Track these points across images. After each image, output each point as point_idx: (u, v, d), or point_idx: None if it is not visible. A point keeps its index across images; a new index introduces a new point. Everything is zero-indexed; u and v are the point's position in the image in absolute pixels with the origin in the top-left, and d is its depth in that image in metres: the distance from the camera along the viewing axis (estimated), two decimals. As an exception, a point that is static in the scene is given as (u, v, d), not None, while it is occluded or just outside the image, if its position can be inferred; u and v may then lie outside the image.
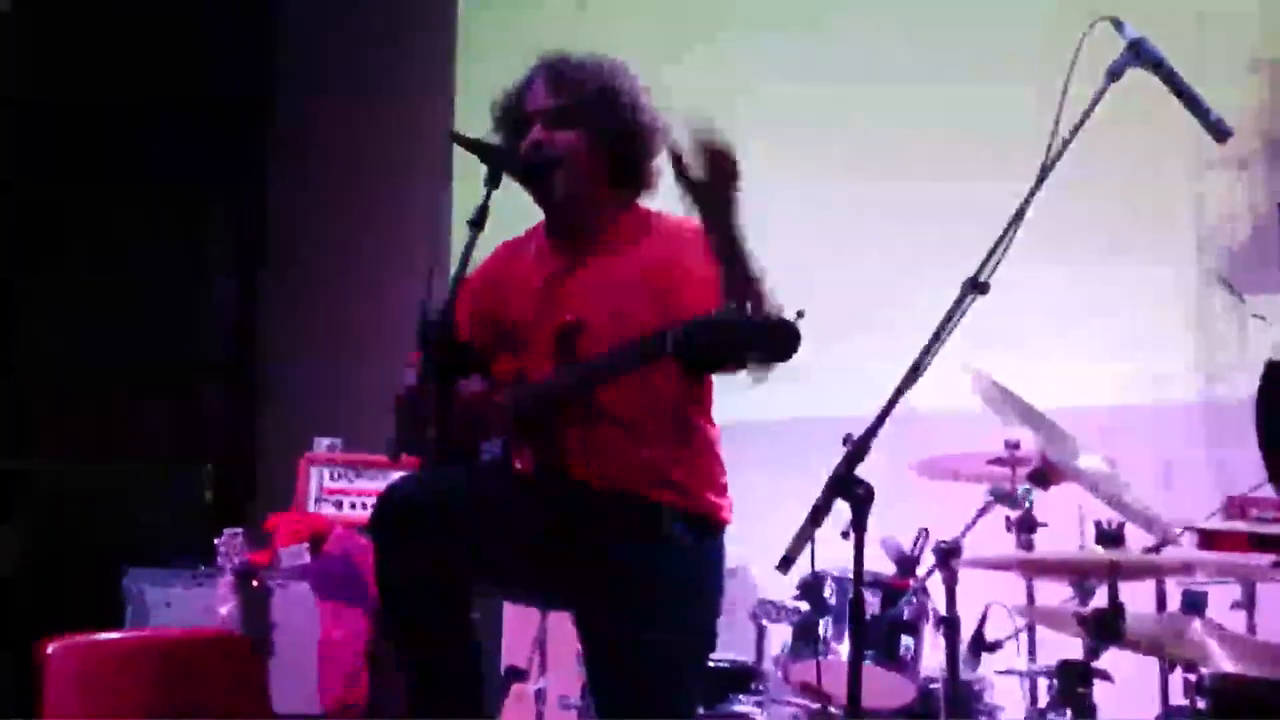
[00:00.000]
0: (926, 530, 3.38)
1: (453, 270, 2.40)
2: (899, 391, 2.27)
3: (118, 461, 5.88)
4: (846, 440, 2.26)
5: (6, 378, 5.88)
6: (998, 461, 3.40)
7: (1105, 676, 2.50)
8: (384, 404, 5.65)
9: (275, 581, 4.35)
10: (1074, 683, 2.31)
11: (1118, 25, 2.38)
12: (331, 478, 5.04)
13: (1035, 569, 3.05)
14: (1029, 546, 3.28)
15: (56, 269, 5.93)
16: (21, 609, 5.53)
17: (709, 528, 2.61)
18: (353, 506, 4.98)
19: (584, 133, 2.57)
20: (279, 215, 6.38)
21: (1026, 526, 3.29)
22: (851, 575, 3.55)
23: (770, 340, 2.20)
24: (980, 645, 3.33)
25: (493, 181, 2.39)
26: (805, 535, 2.23)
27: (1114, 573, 2.34)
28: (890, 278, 4.69)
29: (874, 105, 4.86)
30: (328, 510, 4.93)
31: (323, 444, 5.11)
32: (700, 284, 2.43)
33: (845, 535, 2.25)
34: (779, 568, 2.24)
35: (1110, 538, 2.38)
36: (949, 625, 3.10)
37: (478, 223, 2.32)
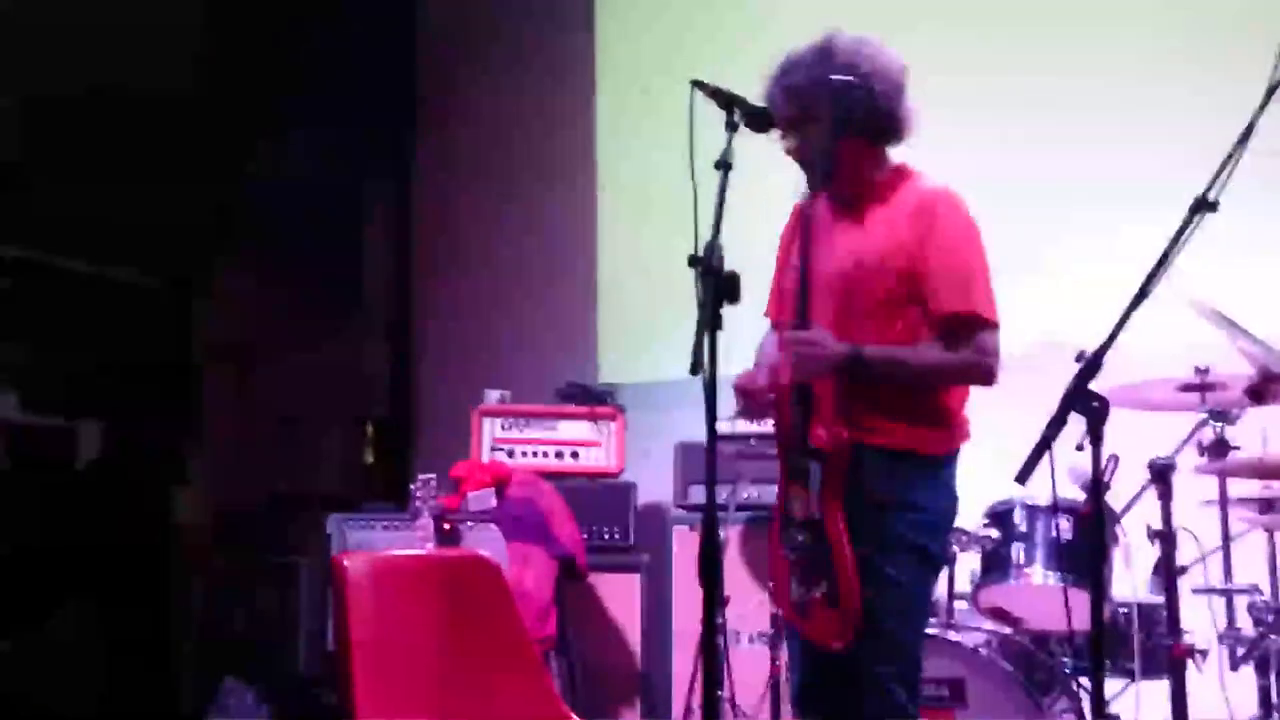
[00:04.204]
0: (1116, 457, 3.43)
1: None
2: (1128, 312, 2.35)
3: (285, 420, 6.11)
4: (1079, 357, 2.36)
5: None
6: (1188, 387, 3.45)
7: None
8: (535, 357, 5.86)
9: (465, 525, 4.54)
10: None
11: None
12: (502, 428, 5.21)
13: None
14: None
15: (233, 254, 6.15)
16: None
17: (941, 460, 2.76)
18: (524, 455, 5.15)
19: (823, 123, 2.69)
20: (429, 191, 6.54)
21: (1221, 450, 3.36)
22: (1041, 503, 3.67)
23: None
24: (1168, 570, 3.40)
25: (733, 127, 2.53)
26: (1042, 448, 2.33)
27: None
28: (1045, 216, 4.75)
29: (1031, 54, 4.90)
30: (501, 458, 5.10)
31: (493, 396, 5.26)
32: (937, 272, 2.69)
33: (1080, 448, 2.35)
34: (1017, 479, 2.34)
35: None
36: (1165, 540, 3.18)
37: (725, 163, 2.44)
